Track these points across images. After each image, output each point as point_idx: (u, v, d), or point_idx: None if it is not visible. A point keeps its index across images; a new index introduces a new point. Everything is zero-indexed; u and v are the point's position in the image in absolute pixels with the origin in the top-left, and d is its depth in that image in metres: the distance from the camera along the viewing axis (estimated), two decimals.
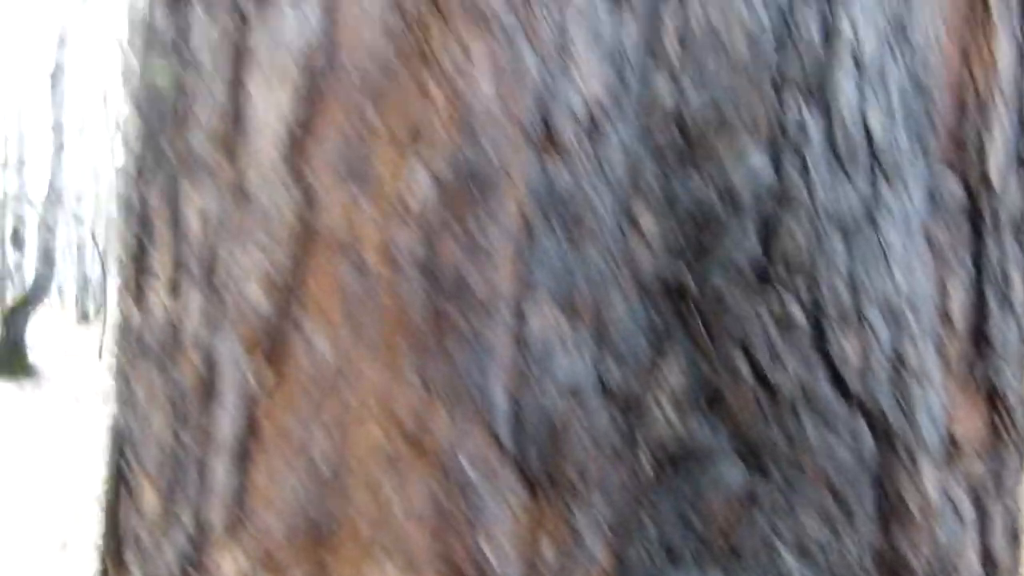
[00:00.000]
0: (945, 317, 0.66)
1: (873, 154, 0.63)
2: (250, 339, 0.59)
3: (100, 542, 0.71)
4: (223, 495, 0.60)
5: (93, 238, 20.23)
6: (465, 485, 0.56)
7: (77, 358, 14.24)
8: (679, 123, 0.60)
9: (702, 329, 0.60)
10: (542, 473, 0.57)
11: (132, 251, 0.69)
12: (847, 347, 0.61)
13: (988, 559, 0.67)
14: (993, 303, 0.68)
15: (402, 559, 0.57)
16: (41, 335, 14.95)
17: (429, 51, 0.56)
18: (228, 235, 0.60)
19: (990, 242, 0.68)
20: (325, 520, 0.58)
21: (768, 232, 0.60)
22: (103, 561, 0.70)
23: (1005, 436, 0.69)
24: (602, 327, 0.58)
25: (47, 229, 12.38)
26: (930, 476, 0.63)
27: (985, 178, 0.68)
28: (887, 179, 0.64)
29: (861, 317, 0.62)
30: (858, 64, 0.63)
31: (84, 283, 23.52)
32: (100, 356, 14.34)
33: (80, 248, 23.67)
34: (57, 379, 11.57)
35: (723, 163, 0.60)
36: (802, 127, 0.61)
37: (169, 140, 0.64)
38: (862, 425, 0.62)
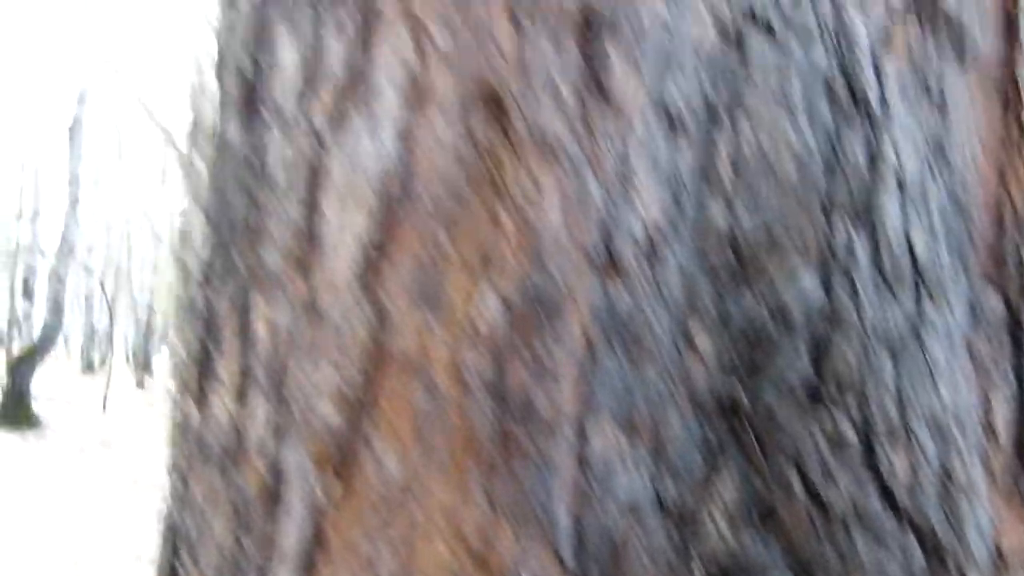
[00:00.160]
0: (989, 430, 0.67)
1: (917, 272, 0.65)
2: (320, 452, 0.60)
3: None
4: None
5: (102, 289, 20.31)
6: None
7: (81, 408, 14.20)
8: (733, 245, 0.62)
9: (755, 446, 0.61)
10: None
11: (195, 354, 0.71)
12: (896, 463, 0.62)
13: None
14: None
15: None
16: (45, 385, 14.92)
17: (500, 180, 0.59)
18: (299, 349, 0.62)
19: None
20: None
21: (819, 351, 0.62)
22: None
23: None
24: (659, 445, 0.60)
25: (58, 280, 12.45)
26: None
27: None
28: (931, 296, 0.66)
29: (909, 433, 0.63)
30: (901, 186, 0.65)
31: (90, 333, 23.54)
32: (104, 407, 14.28)
33: (88, 298, 23.75)
34: (61, 429, 11.52)
35: (775, 284, 0.62)
36: (850, 249, 0.63)
37: (240, 252, 0.67)
38: (912, 540, 0.62)
